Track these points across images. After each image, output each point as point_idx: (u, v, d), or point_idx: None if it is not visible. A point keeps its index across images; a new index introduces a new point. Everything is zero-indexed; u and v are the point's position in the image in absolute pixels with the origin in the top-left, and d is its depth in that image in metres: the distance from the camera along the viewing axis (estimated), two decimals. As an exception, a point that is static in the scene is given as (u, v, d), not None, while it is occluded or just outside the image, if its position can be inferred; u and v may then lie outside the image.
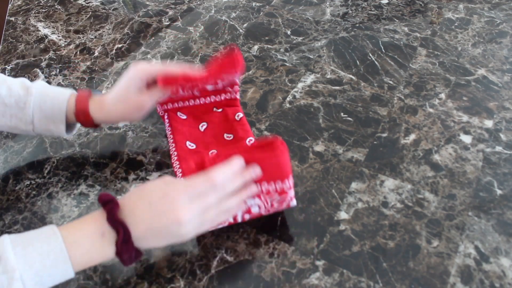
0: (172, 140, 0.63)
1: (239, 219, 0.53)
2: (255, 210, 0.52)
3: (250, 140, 0.62)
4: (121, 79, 0.57)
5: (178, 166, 0.60)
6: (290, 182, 0.51)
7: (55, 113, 0.56)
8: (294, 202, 0.53)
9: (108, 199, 0.43)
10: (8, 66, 0.83)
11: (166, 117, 0.67)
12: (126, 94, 0.57)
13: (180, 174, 0.59)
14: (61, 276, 0.41)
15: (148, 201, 0.44)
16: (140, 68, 0.56)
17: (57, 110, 0.56)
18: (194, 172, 0.48)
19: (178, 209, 0.43)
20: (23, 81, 0.57)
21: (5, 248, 0.39)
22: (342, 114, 0.69)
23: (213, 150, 0.62)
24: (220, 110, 0.68)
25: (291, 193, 0.52)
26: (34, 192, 0.61)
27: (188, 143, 0.63)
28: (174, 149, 0.62)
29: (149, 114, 0.71)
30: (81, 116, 0.57)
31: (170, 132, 0.65)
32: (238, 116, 0.66)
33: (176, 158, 0.61)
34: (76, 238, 0.42)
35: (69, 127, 0.59)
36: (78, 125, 0.61)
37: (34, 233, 0.42)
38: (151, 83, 0.58)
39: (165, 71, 0.57)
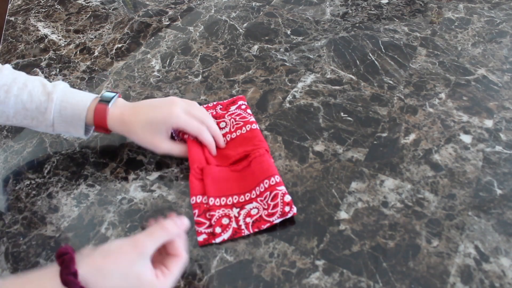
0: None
1: (244, 227, 0.54)
2: (254, 212, 0.55)
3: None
4: (155, 114, 0.59)
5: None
6: (276, 178, 0.56)
7: (75, 120, 0.58)
8: (294, 209, 0.55)
9: (59, 250, 0.41)
10: (8, 66, 0.83)
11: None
12: (157, 130, 0.59)
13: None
14: None
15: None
16: (175, 117, 0.59)
17: (76, 118, 0.58)
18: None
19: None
20: (44, 84, 0.58)
21: None
22: (342, 114, 0.69)
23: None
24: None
25: (287, 198, 0.55)
26: (34, 192, 0.61)
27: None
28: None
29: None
30: (100, 129, 0.61)
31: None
32: (248, 127, 0.66)
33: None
34: None
35: (87, 129, 0.61)
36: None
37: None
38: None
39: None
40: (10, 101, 0.57)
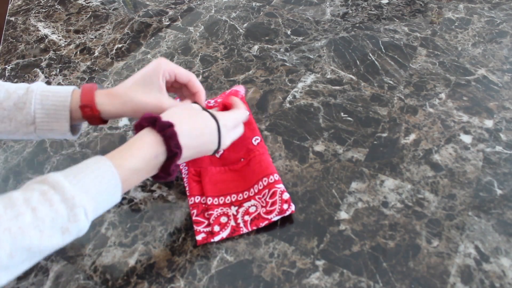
0: None
1: (242, 225, 0.54)
2: (252, 210, 0.55)
3: (257, 139, 0.63)
4: (142, 71, 0.54)
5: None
6: (275, 177, 0.57)
7: (58, 110, 0.51)
8: (292, 207, 0.55)
9: (162, 122, 0.46)
10: (8, 66, 0.83)
11: None
12: (150, 85, 0.54)
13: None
14: (112, 200, 0.43)
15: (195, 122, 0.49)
16: (164, 66, 0.54)
17: (60, 106, 0.52)
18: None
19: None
20: (22, 84, 0.53)
21: (57, 179, 0.39)
22: (342, 114, 0.69)
23: None
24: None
25: (286, 196, 0.56)
26: (34, 192, 0.61)
27: None
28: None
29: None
30: (87, 110, 0.52)
31: None
32: None
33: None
34: (129, 164, 0.43)
35: (73, 129, 0.55)
36: (83, 125, 0.58)
37: (81, 164, 0.42)
38: (170, 84, 0.57)
39: (190, 78, 0.57)
40: None
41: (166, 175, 0.46)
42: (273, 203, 0.55)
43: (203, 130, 0.49)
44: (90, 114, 0.52)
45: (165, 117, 0.47)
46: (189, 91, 0.57)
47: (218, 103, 0.70)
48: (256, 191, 0.57)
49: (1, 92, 0.51)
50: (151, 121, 0.46)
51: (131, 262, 0.53)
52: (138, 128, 0.47)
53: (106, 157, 0.43)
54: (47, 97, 0.51)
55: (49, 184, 0.39)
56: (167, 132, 0.45)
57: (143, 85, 0.54)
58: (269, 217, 0.54)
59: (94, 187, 0.40)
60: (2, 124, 0.51)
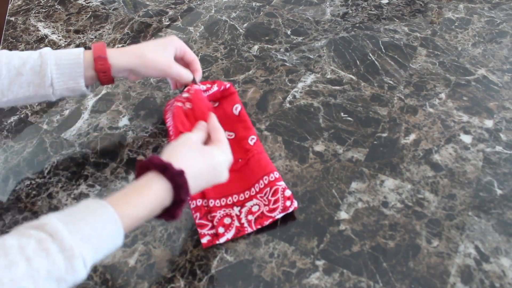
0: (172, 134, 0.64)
1: (246, 225, 0.54)
2: (255, 209, 0.55)
3: (253, 139, 0.62)
4: (156, 40, 0.61)
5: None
6: (275, 174, 0.57)
7: (73, 68, 0.55)
8: (295, 203, 0.55)
9: (173, 171, 0.43)
10: (8, 66, 0.83)
11: (168, 116, 0.67)
12: (162, 48, 0.60)
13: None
14: (113, 247, 0.40)
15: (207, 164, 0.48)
16: (177, 41, 0.62)
17: (74, 65, 0.55)
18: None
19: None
20: (31, 51, 0.56)
21: (56, 227, 0.36)
22: (342, 114, 0.69)
23: None
24: (216, 104, 0.68)
25: (288, 193, 0.56)
26: (34, 192, 0.61)
27: None
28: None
29: (149, 113, 0.71)
30: (100, 62, 0.56)
31: (172, 132, 0.65)
32: (236, 109, 0.66)
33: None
34: (133, 213, 0.41)
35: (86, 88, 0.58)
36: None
37: (81, 207, 0.40)
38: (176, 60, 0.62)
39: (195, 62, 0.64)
40: (2, 71, 0.52)
41: (171, 218, 0.45)
42: (276, 201, 0.55)
43: (210, 171, 0.48)
44: (103, 67, 0.56)
45: (172, 158, 0.45)
46: (190, 69, 0.64)
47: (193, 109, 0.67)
48: (257, 190, 0.57)
49: (15, 60, 0.53)
50: (160, 168, 0.43)
51: (131, 262, 0.53)
52: (143, 169, 0.45)
53: (110, 203, 0.40)
54: (60, 58, 0.54)
55: (46, 232, 0.36)
56: (178, 181, 0.43)
57: (156, 46, 0.60)
58: (272, 215, 0.54)
59: (95, 237, 0.38)
60: (21, 90, 0.53)
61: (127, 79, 0.78)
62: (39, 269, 0.34)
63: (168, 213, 0.44)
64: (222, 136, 0.53)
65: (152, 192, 0.42)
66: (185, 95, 0.63)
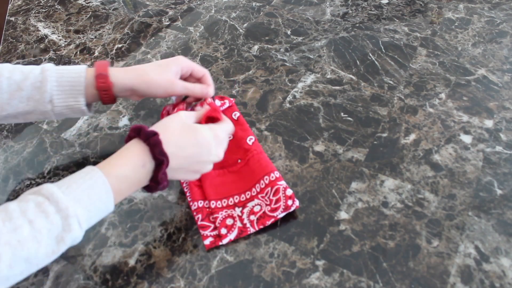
0: None
1: (248, 225, 0.54)
2: (257, 209, 0.55)
3: (251, 139, 0.62)
4: (160, 60, 0.59)
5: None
6: (276, 174, 0.57)
7: (74, 85, 0.54)
8: (297, 202, 0.55)
9: (146, 131, 0.46)
10: (8, 66, 0.83)
11: None
12: (166, 68, 0.58)
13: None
14: (104, 209, 0.44)
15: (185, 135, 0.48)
16: (182, 60, 0.60)
17: (75, 82, 0.54)
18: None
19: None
20: (33, 66, 0.56)
21: (52, 190, 0.40)
22: (342, 114, 0.69)
23: None
24: None
25: (289, 192, 0.55)
26: (34, 192, 0.61)
27: None
28: None
29: (149, 113, 0.71)
30: (102, 80, 0.55)
31: None
32: (235, 115, 0.67)
33: None
34: (117, 172, 0.44)
35: (88, 107, 0.58)
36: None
37: (74, 174, 0.43)
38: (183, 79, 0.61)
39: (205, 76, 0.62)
40: (3, 85, 0.52)
41: (155, 183, 0.47)
42: (277, 200, 0.55)
43: (191, 140, 0.48)
44: (104, 85, 0.55)
45: (152, 127, 0.48)
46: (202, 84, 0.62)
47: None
48: (258, 190, 0.57)
49: (16, 74, 0.53)
50: (137, 131, 0.47)
51: (131, 262, 0.53)
52: (127, 140, 0.48)
53: (97, 167, 0.44)
54: (62, 75, 0.54)
55: (43, 195, 0.40)
56: (151, 141, 0.45)
57: (158, 65, 0.58)
58: (274, 214, 0.54)
59: (86, 197, 0.41)
60: (21, 104, 0.53)
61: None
62: (41, 230, 0.38)
63: (153, 179, 0.46)
64: (223, 119, 0.55)
65: (130, 153, 0.46)
66: (198, 108, 0.61)
